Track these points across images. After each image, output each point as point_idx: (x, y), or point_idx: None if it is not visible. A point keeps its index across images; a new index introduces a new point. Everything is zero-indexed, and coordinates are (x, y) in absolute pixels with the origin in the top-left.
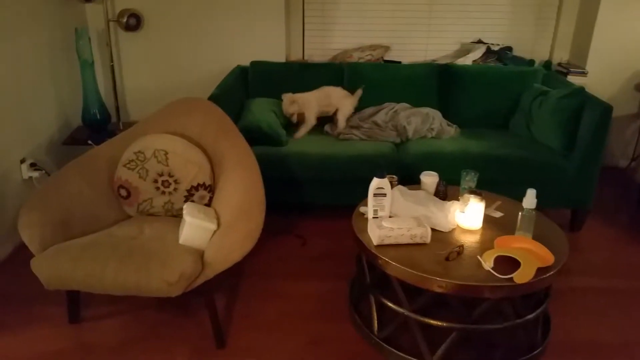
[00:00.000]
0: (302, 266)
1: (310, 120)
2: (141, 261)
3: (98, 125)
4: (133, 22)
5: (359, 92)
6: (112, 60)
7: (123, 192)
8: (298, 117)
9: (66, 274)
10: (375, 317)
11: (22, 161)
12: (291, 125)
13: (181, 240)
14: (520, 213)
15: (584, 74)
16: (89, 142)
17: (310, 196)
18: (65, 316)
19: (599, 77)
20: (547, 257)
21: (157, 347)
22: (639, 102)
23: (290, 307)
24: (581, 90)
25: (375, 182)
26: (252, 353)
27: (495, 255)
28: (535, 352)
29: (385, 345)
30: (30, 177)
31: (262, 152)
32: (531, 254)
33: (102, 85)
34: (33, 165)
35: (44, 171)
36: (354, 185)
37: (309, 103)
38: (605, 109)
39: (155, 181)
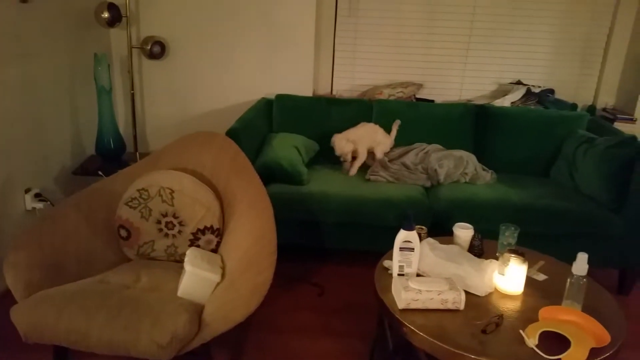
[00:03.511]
0: (317, 320)
1: (364, 154)
2: (131, 317)
3: (112, 155)
4: (157, 49)
5: (396, 127)
6: (132, 88)
7: (123, 233)
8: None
9: (47, 328)
10: None
11: (27, 191)
12: (314, 162)
13: (180, 292)
14: (568, 280)
15: (632, 120)
16: (99, 173)
17: (330, 241)
18: None
19: None
20: (601, 335)
21: None
22: None
23: None
24: (633, 139)
25: (402, 235)
26: None
27: (541, 330)
28: None
29: None
30: (34, 208)
31: (281, 190)
32: (583, 331)
33: (122, 114)
34: (38, 196)
35: (49, 202)
36: (379, 231)
37: (362, 138)
38: None
39: (159, 222)
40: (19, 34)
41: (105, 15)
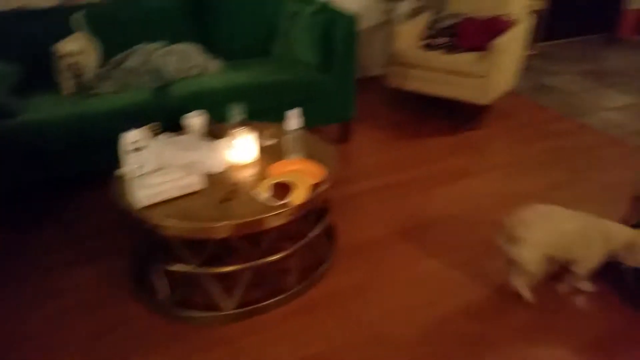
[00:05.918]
0: (73, 252)
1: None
2: None
3: None
4: None
5: None
6: None
7: None
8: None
9: None
10: (164, 286)
11: None
12: (25, 89)
13: None
14: (286, 136)
15: None
16: None
17: (60, 169)
18: None
19: None
20: (319, 172)
21: None
22: (383, 11)
23: (69, 302)
24: (326, 4)
25: (128, 138)
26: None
27: (270, 183)
28: (325, 264)
29: (179, 310)
30: None
31: None
32: (304, 174)
33: None
34: None
35: None
36: (115, 146)
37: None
38: (350, 21)
39: None
40: None
41: None
